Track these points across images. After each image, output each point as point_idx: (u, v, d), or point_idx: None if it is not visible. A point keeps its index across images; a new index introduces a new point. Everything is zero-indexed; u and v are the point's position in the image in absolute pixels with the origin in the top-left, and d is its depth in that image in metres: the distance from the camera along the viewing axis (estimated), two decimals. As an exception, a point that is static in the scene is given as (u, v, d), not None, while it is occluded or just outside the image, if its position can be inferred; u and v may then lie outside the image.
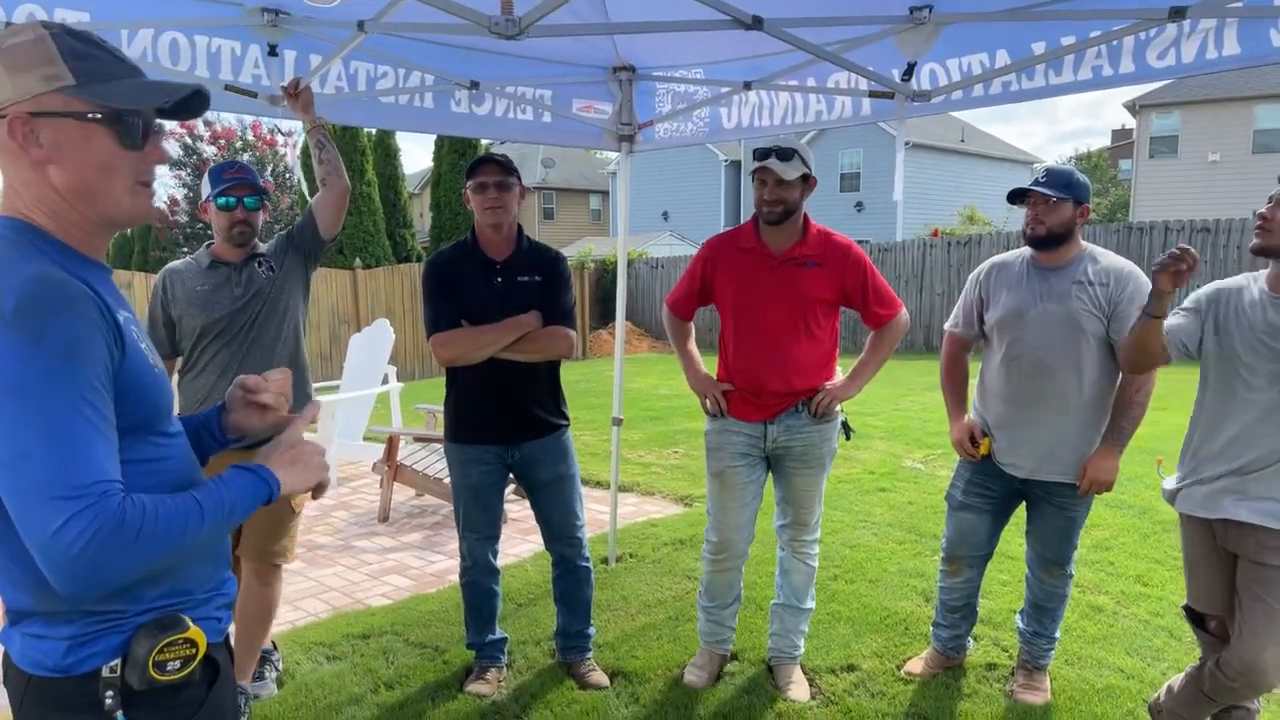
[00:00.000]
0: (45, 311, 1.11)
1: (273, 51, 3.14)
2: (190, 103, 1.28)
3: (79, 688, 1.22)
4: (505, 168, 3.02)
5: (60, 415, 1.09)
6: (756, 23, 2.41)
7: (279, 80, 3.18)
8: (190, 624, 1.27)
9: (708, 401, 3.19)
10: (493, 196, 2.99)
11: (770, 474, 3.23)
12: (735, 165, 30.87)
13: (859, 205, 28.52)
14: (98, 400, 1.14)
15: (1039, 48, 2.86)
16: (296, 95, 3.09)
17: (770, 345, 3.03)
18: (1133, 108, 24.86)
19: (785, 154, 2.90)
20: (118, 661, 1.23)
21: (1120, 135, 46.72)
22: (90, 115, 1.20)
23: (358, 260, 15.20)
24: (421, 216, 28.62)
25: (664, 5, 3.00)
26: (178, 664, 1.25)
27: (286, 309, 3.08)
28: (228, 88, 3.13)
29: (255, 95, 3.19)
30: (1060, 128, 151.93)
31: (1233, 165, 23.30)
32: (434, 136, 19.33)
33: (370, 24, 2.62)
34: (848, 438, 3.25)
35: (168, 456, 1.30)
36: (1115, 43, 2.66)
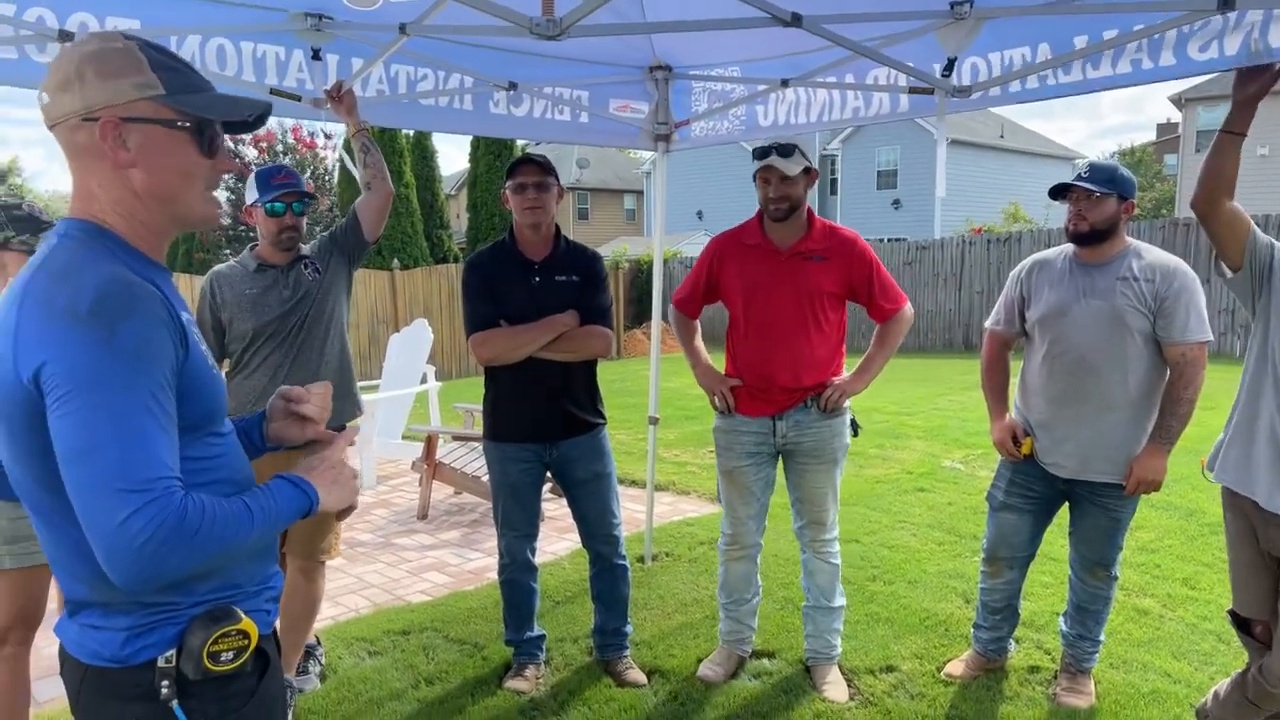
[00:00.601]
0: (118, 311, 1.15)
1: (316, 55, 3.20)
2: (259, 118, 1.36)
3: (135, 677, 1.26)
4: (544, 168, 3.04)
5: (129, 412, 1.13)
6: (795, 20, 2.40)
7: (323, 83, 3.24)
8: (243, 615, 1.30)
9: (715, 398, 3.22)
10: (531, 197, 3.02)
11: (784, 472, 3.24)
12: (770, 163, 30.67)
13: (896, 203, 28.24)
14: (164, 399, 1.18)
15: (1080, 41, 2.81)
16: (340, 99, 3.14)
17: (779, 340, 3.05)
18: (1178, 101, 24.33)
19: (786, 150, 2.94)
20: (173, 652, 1.26)
21: (1165, 130, 45.70)
22: (179, 124, 1.27)
23: (396, 261, 15.36)
24: (458, 218, 28.87)
25: (702, 3, 3.00)
26: (231, 654, 1.28)
27: (333, 310, 3.13)
28: (273, 91, 3.18)
29: (300, 99, 3.25)
30: (1102, 123, 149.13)
31: (1283, 159, 22.70)
32: (470, 138, 19.48)
33: (412, 26, 2.66)
34: (855, 434, 3.24)
35: (221, 454, 1.34)
36: (1157, 36, 2.61)
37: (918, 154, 27.62)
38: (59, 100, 1.23)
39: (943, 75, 3.01)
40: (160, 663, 1.26)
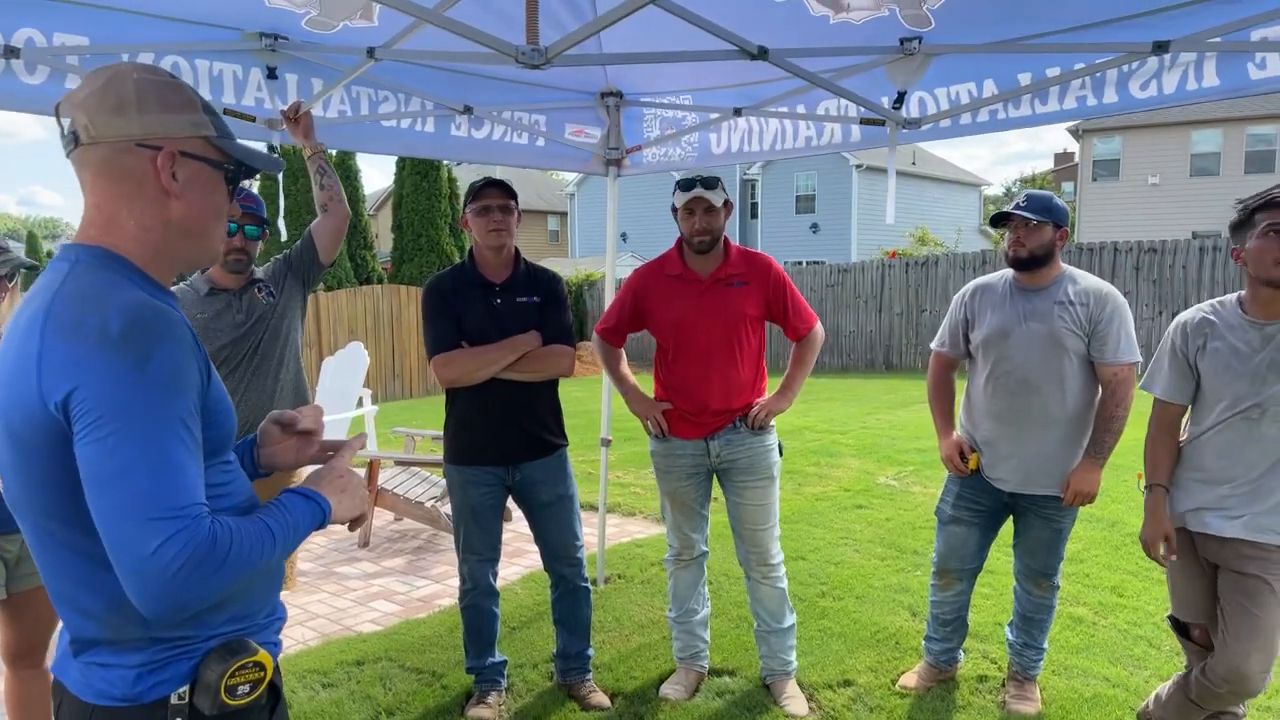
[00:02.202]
0: (150, 337, 1.13)
1: (272, 74, 3.14)
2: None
3: (147, 716, 1.22)
4: (507, 191, 3.06)
5: (161, 438, 1.11)
6: (762, 53, 2.49)
7: (281, 103, 3.18)
8: (258, 648, 1.28)
9: (649, 423, 3.30)
10: (496, 219, 3.03)
11: (723, 495, 3.32)
12: (693, 187, 31.15)
13: (814, 226, 28.99)
14: (193, 425, 1.16)
15: (1025, 78, 2.99)
16: (297, 120, 3.09)
17: (708, 365, 3.16)
18: (1076, 132, 25.68)
19: (710, 183, 3.08)
20: (186, 688, 1.23)
21: (1062, 158, 48.14)
22: (225, 166, 1.30)
23: (319, 283, 15.01)
24: (377, 237, 28.37)
25: (661, 34, 3.07)
26: (247, 687, 1.25)
27: (288, 334, 3.07)
28: (226, 111, 3.11)
29: (254, 119, 3.19)
30: (1005, 150, 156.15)
31: (1172, 187, 24.20)
32: (394, 158, 19.23)
33: (381, 50, 2.64)
34: (779, 454, 3.34)
35: (232, 480, 1.32)
36: (1099, 74, 2.79)
37: (834, 180, 28.46)
38: (111, 121, 1.21)
39: (893, 108, 3.14)
40: (173, 699, 1.23)
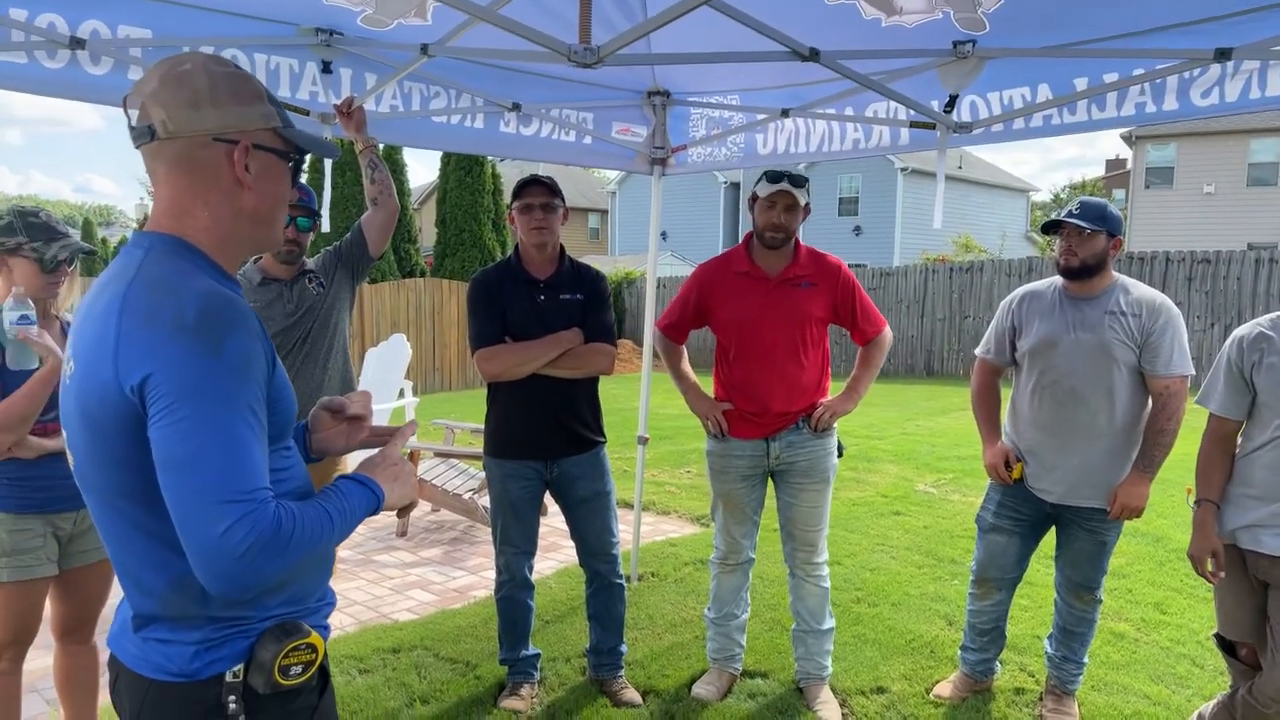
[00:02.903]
0: (223, 325, 1.17)
1: (327, 69, 3.20)
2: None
3: (202, 692, 1.26)
4: (551, 190, 3.08)
5: (232, 424, 1.14)
6: (813, 55, 2.48)
7: (335, 97, 3.24)
8: (310, 629, 1.31)
9: (709, 423, 3.27)
10: (539, 217, 3.05)
11: (775, 494, 3.30)
12: (734, 187, 31.08)
13: (857, 229, 28.73)
14: (260, 410, 1.20)
15: (1081, 83, 2.94)
16: (350, 114, 3.14)
17: (772, 365, 3.13)
18: (1129, 138, 25.15)
19: (799, 181, 3.05)
20: (240, 666, 1.27)
21: (1114, 165, 47.15)
22: (291, 155, 1.34)
23: (367, 275, 15.22)
24: (421, 231, 28.66)
25: (712, 34, 3.07)
26: (300, 668, 1.29)
27: (337, 324, 3.12)
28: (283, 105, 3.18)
29: (308, 113, 3.25)
30: (1053, 156, 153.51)
31: (1228, 197, 23.60)
32: (439, 153, 19.40)
33: (434, 47, 2.68)
34: (840, 455, 3.33)
35: (292, 465, 1.36)
36: (1159, 80, 2.74)
37: (879, 182, 28.17)
38: (188, 116, 1.24)
39: (944, 111, 3.11)
40: (228, 677, 1.26)
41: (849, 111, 3.64)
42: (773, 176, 3.04)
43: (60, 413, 1.30)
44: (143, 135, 1.26)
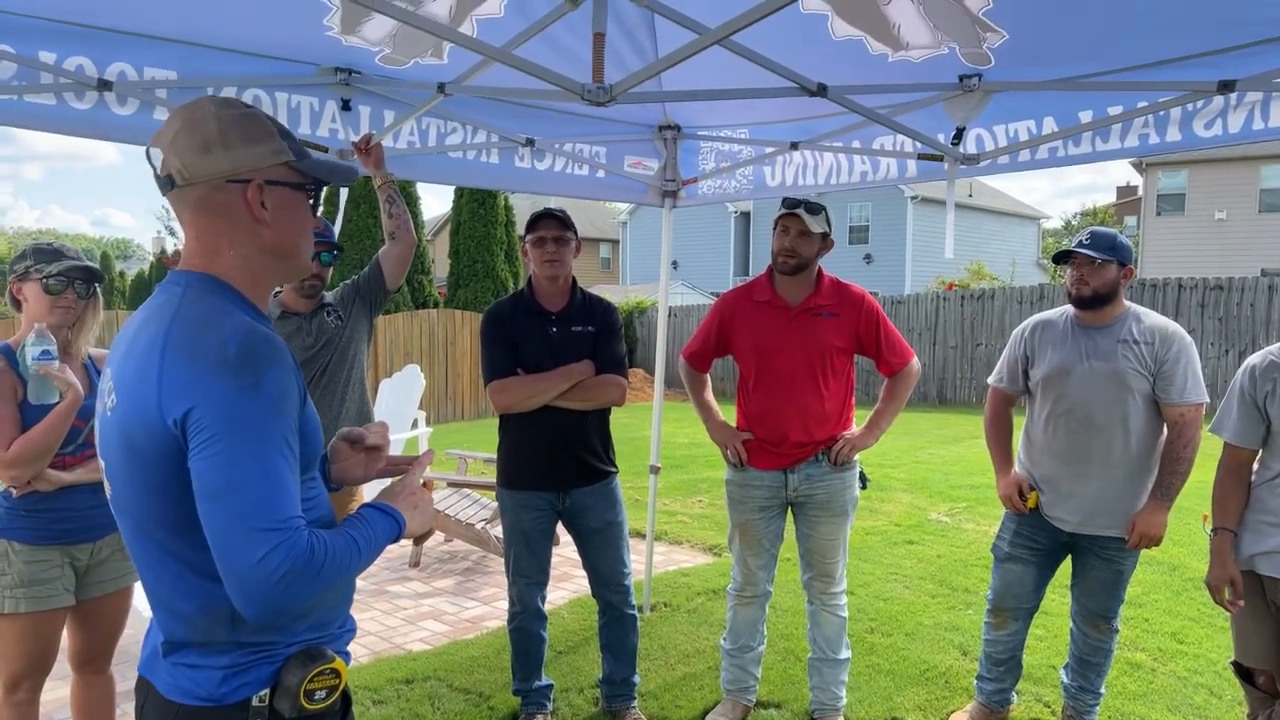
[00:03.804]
0: (261, 361, 1.22)
1: (346, 106, 3.28)
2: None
3: (229, 716, 1.29)
4: (564, 223, 3.13)
5: (269, 455, 1.19)
6: (821, 90, 2.53)
7: (354, 134, 3.31)
8: (334, 655, 1.34)
9: (729, 452, 3.27)
10: (551, 250, 3.10)
11: (794, 524, 3.29)
12: (745, 216, 31.24)
13: (868, 257, 28.78)
14: (294, 442, 1.25)
15: (1085, 116, 2.98)
16: (369, 151, 3.21)
17: (791, 395, 3.12)
18: (1139, 165, 25.18)
19: (814, 209, 3.06)
20: (267, 691, 1.30)
21: (1125, 192, 47.17)
22: (307, 186, 1.37)
23: (384, 308, 15.36)
24: (434, 263, 28.90)
25: (723, 72, 3.13)
26: (324, 693, 1.32)
27: (354, 357, 3.17)
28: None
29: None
30: (1064, 183, 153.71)
31: (1240, 223, 23.55)
32: (452, 186, 19.60)
33: (451, 86, 2.75)
34: (864, 487, 3.32)
35: (318, 494, 1.40)
36: (1162, 112, 2.78)
37: (889, 211, 28.26)
38: (201, 161, 1.29)
39: (951, 144, 3.15)
40: (254, 701, 1.29)
41: (856, 144, 3.69)
42: (788, 203, 3.07)
43: (98, 442, 1.34)
44: (165, 184, 1.32)
